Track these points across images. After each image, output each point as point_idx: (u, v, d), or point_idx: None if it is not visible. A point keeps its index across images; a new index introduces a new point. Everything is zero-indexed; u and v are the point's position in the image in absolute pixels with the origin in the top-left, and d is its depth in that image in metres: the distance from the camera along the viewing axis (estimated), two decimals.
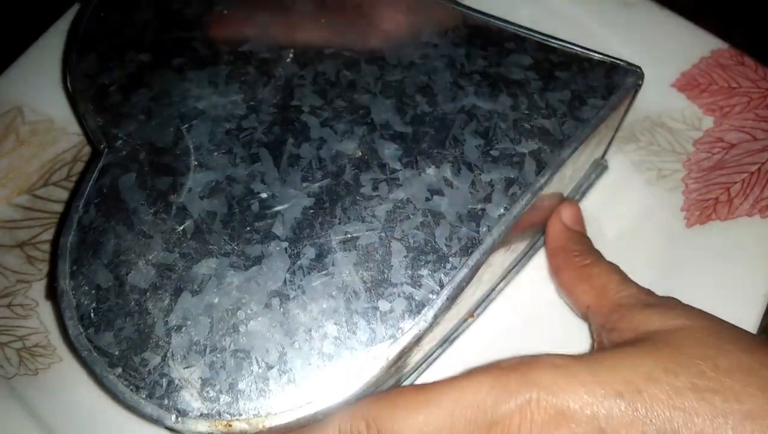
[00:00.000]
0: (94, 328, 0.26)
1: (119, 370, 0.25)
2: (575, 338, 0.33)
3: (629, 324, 0.27)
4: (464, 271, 0.27)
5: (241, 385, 0.25)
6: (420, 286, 0.26)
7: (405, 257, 0.27)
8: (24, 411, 0.29)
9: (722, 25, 0.38)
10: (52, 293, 0.27)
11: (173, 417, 0.25)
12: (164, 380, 0.25)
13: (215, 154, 0.30)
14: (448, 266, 0.27)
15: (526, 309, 0.34)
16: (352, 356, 0.25)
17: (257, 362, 0.25)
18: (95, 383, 0.26)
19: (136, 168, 0.30)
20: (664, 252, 0.33)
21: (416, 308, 0.26)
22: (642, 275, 0.29)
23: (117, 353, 0.26)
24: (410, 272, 0.27)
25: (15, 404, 0.29)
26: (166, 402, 0.25)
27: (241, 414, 0.25)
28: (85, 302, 0.27)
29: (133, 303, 0.27)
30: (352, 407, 0.25)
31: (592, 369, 0.24)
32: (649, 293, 0.28)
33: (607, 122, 0.31)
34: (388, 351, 0.25)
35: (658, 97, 0.34)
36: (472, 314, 0.33)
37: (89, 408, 0.30)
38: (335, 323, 0.26)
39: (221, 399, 0.25)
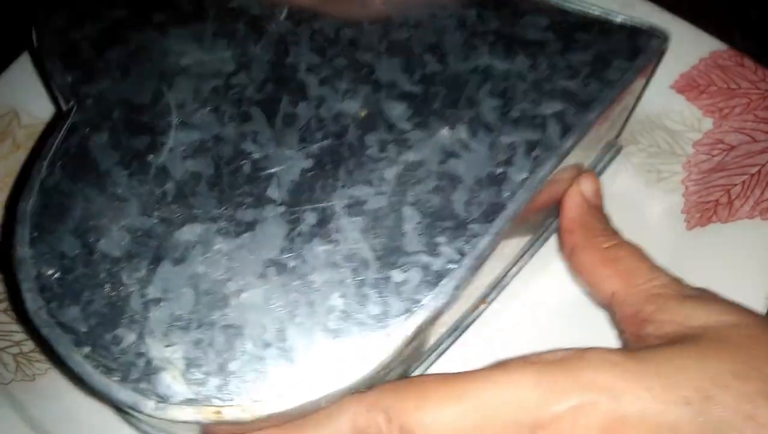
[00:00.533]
0: (57, 301, 0.22)
1: (87, 349, 0.22)
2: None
3: (671, 317, 0.24)
4: (487, 239, 0.24)
5: (233, 366, 0.21)
6: (438, 255, 0.23)
7: (419, 223, 0.24)
8: (21, 417, 0.28)
9: (721, 26, 0.37)
10: (7, 263, 0.23)
11: (152, 403, 0.21)
12: (141, 360, 0.21)
13: (200, 112, 0.26)
14: (469, 233, 0.24)
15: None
16: (362, 332, 0.22)
17: (252, 339, 0.22)
18: (58, 365, 0.22)
19: (108, 127, 0.26)
20: (665, 254, 0.31)
21: (434, 279, 0.23)
22: None
23: (84, 329, 0.22)
24: (426, 239, 0.24)
25: (12, 410, 0.28)
26: (143, 385, 0.21)
27: (232, 400, 0.21)
28: (47, 273, 0.23)
29: (104, 274, 0.23)
30: (368, 396, 0.22)
31: (656, 370, 0.21)
32: (681, 282, 0.26)
33: (632, 87, 0.28)
34: (405, 327, 0.22)
35: (657, 98, 0.33)
36: (484, 300, 0.30)
37: (86, 413, 0.28)
38: (342, 296, 0.23)
39: (209, 382, 0.21)
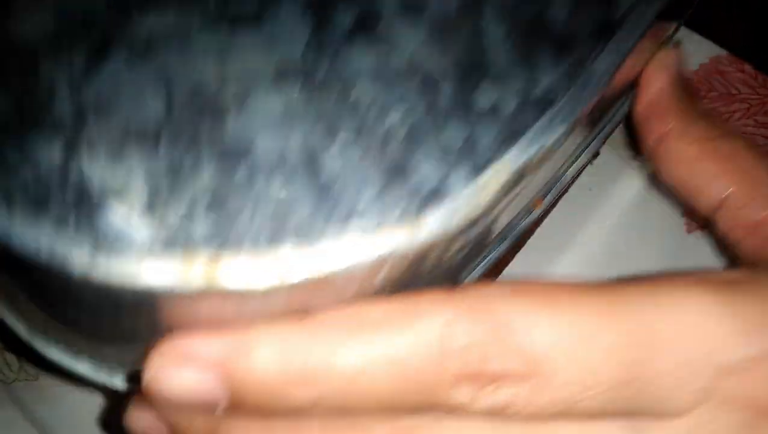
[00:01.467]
0: None
1: None
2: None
3: None
4: (604, 62, 0.16)
5: (234, 202, 0.13)
6: (537, 78, 0.16)
7: (506, 37, 0.16)
8: (24, 416, 0.28)
9: (720, 31, 0.37)
10: None
11: (86, 251, 0.12)
12: (70, 187, 0.12)
13: None
14: (577, 54, 0.16)
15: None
16: (436, 170, 0.14)
17: (265, 168, 0.13)
18: None
19: None
20: (664, 258, 0.31)
21: (537, 107, 0.15)
22: None
23: None
24: (517, 58, 0.16)
25: (15, 409, 0.28)
26: (72, 221, 0.12)
27: (241, 246, 0.12)
28: None
29: (16, 64, 0.14)
30: (466, 297, 0.14)
31: None
32: None
33: None
34: (502, 164, 0.14)
35: None
36: (540, 200, 0.23)
37: (90, 413, 0.27)
38: (402, 120, 0.14)
39: (196, 220, 0.12)
